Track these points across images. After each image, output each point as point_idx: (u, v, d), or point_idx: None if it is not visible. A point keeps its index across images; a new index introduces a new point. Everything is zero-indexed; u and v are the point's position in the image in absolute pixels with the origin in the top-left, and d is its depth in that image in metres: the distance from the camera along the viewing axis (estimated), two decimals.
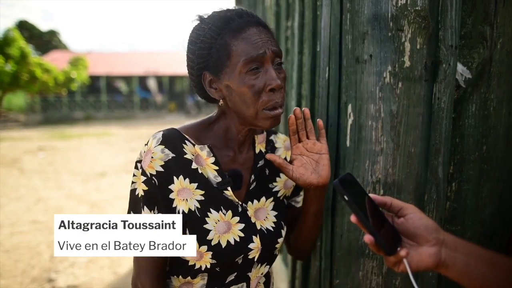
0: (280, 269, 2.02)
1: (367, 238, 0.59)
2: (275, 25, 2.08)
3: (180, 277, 0.90)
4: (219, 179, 0.87)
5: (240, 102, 0.83)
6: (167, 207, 0.83)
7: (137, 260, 0.88)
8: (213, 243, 0.84)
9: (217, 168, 0.87)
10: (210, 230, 0.84)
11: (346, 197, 0.61)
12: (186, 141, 0.86)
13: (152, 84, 25.20)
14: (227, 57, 0.81)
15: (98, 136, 13.98)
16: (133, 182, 0.87)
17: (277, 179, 0.99)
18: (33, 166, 8.42)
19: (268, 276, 1.01)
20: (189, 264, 0.87)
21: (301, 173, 0.90)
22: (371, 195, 0.65)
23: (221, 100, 0.87)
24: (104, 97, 24.43)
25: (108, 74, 24.46)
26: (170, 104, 24.73)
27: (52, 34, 40.96)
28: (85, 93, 25.00)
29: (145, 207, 0.84)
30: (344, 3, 0.91)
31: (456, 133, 0.92)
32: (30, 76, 17.49)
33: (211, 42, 0.83)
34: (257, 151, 0.97)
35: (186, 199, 0.84)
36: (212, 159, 0.87)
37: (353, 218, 0.61)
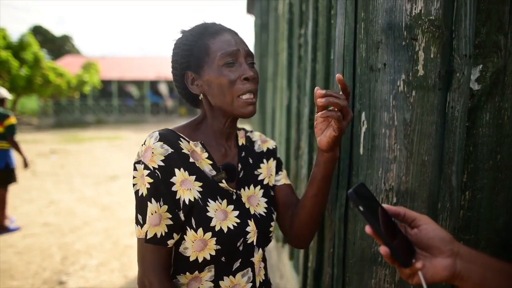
0: (291, 276, 2.02)
1: (383, 249, 0.59)
2: (288, 32, 2.10)
3: (187, 273, 0.95)
4: (214, 172, 0.95)
5: (218, 92, 0.93)
6: (172, 199, 0.89)
7: (142, 257, 0.91)
8: (216, 229, 0.91)
9: (211, 162, 0.96)
10: (212, 218, 0.91)
11: (361, 208, 0.60)
12: (181, 139, 0.95)
13: (163, 88, 25.42)
14: (206, 54, 0.94)
15: (109, 139, 14.13)
16: (134, 185, 0.92)
17: (261, 165, 1.10)
18: (45, 169, 8.55)
19: (265, 261, 1.09)
20: (191, 260, 0.92)
21: (320, 121, 0.92)
22: (384, 205, 0.64)
23: (201, 95, 0.98)
24: (116, 101, 24.72)
25: (119, 79, 24.76)
26: (181, 108, 24.93)
27: (66, 39, 41.65)
28: (97, 97, 25.32)
29: (152, 199, 0.88)
30: (358, 12, 0.92)
31: (470, 141, 0.92)
32: (44, 80, 17.77)
33: (192, 44, 0.96)
34: (240, 143, 1.09)
35: (190, 189, 0.91)
36: (206, 154, 0.96)
37: (368, 229, 0.60)
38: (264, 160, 1.12)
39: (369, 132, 0.93)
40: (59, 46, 39.23)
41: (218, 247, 0.91)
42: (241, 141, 1.09)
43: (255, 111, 0.95)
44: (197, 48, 0.95)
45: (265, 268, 1.08)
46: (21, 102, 24.21)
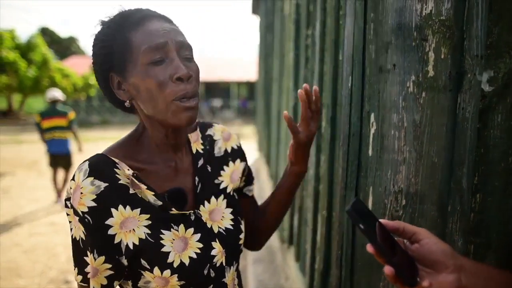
0: (296, 278, 2.01)
1: (388, 269, 0.55)
2: (295, 33, 2.09)
3: None
4: (160, 202, 0.80)
5: (148, 98, 0.76)
6: (109, 246, 0.75)
7: None
8: (175, 264, 0.78)
9: (153, 193, 0.79)
10: (169, 252, 0.78)
11: (362, 226, 0.56)
12: (117, 165, 0.78)
13: None
14: (128, 51, 0.75)
15: (114, 140, 14.14)
16: (70, 221, 0.79)
17: (222, 173, 0.95)
18: None
19: (239, 275, 0.97)
20: None
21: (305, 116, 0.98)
22: (382, 220, 0.61)
23: (127, 101, 0.80)
24: None
25: None
26: None
27: (71, 40, 41.98)
28: (102, 98, 25.44)
29: (87, 251, 0.76)
30: (368, 13, 0.92)
31: (481, 143, 0.91)
32: (51, 81, 17.88)
33: (111, 40, 0.77)
34: (194, 151, 0.92)
35: (133, 229, 0.76)
36: (145, 186, 0.79)
37: (370, 248, 0.57)
38: (229, 163, 0.98)
39: (378, 133, 0.92)
40: (65, 47, 39.54)
41: (182, 282, 0.78)
42: (195, 146, 0.93)
43: (195, 117, 0.79)
44: (117, 44, 0.76)
45: (240, 284, 0.96)
46: (28, 103, 24.38)
